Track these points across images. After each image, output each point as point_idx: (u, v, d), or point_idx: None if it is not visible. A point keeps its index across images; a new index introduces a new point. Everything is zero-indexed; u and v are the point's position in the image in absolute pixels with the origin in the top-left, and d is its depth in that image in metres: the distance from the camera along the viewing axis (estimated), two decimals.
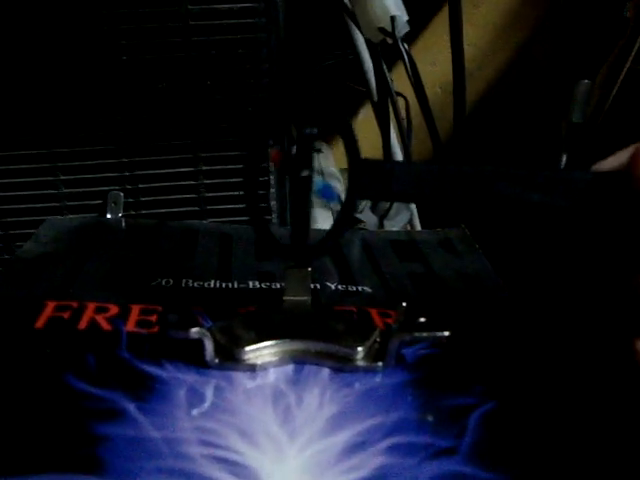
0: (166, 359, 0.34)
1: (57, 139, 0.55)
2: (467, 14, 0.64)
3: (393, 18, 0.54)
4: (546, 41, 1.09)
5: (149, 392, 0.32)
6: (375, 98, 0.72)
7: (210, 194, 0.58)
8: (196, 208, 0.59)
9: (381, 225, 0.66)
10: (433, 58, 1.09)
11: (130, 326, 0.38)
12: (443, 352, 0.37)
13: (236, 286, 0.44)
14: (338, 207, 0.75)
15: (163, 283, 0.44)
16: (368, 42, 0.69)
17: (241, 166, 0.35)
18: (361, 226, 0.64)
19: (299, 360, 0.35)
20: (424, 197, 0.35)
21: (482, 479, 0.28)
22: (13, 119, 0.54)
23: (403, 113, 0.71)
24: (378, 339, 0.36)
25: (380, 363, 0.35)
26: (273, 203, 0.58)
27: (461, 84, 0.64)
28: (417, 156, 0.83)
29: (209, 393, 0.32)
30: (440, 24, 1.07)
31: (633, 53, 0.83)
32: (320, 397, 0.32)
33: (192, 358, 0.34)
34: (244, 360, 0.34)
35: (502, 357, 0.37)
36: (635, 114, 0.83)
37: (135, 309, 0.40)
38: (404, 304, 0.36)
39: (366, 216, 0.65)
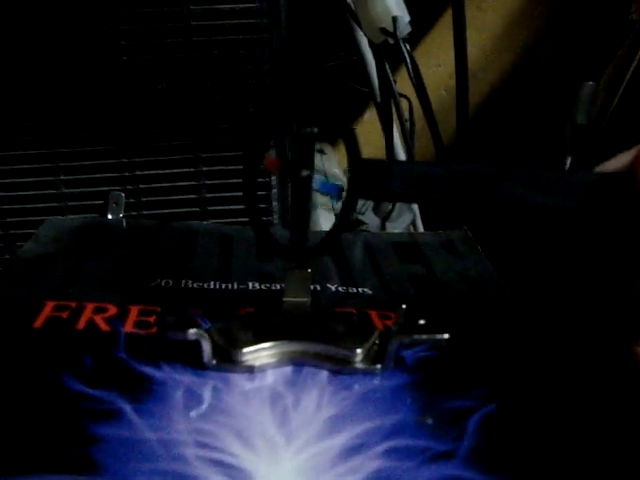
0: (164, 360, 0.34)
1: (58, 139, 0.55)
2: (471, 17, 0.64)
3: (395, 19, 0.53)
4: (550, 43, 1.08)
5: (146, 393, 0.32)
6: (378, 99, 0.72)
7: (211, 195, 0.58)
8: (197, 209, 0.58)
9: (383, 227, 0.66)
10: (439, 59, 1.09)
11: (128, 327, 0.38)
12: (443, 354, 0.36)
13: (236, 287, 0.44)
14: (339, 205, 0.75)
15: (163, 284, 0.43)
16: (371, 43, 0.69)
17: (242, 167, 0.34)
18: (363, 227, 0.64)
19: (297, 362, 0.35)
20: (425, 197, 0.35)
21: None
22: (14, 119, 0.54)
23: (406, 114, 0.70)
24: (377, 341, 0.36)
25: (379, 365, 0.34)
26: (275, 204, 0.58)
27: (464, 86, 0.64)
28: (420, 157, 0.83)
29: (206, 395, 0.32)
30: (446, 26, 1.06)
31: (638, 55, 0.82)
32: (318, 399, 0.32)
33: (190, 359, 0.34)
34: (242, 362, 0.34)
35: (502, 360, 0.37)
36: None
37: (134, 310, 0.39)
38: (404, 306, 0.36)
39: (368, 217, 0.65)
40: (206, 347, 0.33)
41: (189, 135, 0.56)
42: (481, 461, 0.29)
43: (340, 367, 0.34)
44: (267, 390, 0.33)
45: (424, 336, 0.34)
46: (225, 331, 0.35)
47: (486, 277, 0.48)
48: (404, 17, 0.54)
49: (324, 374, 0.34)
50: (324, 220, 0.69)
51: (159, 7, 0.51)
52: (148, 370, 0.33)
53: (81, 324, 0.38)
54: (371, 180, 0.34)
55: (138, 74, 0.53)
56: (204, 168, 0.57)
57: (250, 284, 0.44)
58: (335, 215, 0.74)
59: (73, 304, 0.40)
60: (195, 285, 0.44)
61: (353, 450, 0.29)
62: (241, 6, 0.52)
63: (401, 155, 0.76)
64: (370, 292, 0.45)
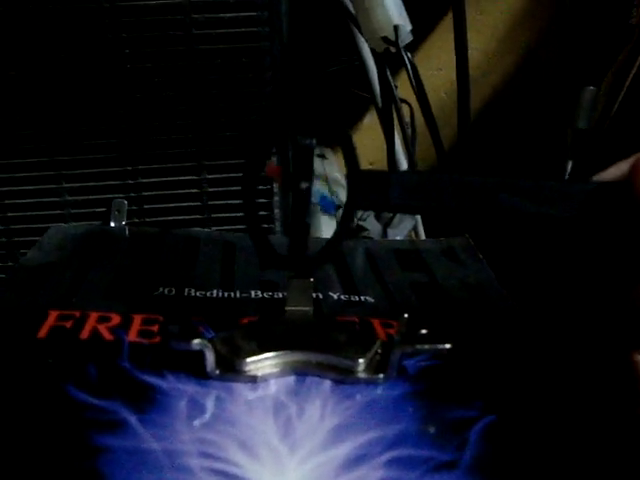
0: (167, 370, 0.34)
1: (61, 147, 0.56)
2: (472, 20, 0.64)
3: (396, 27, 0.54)
4: (551, 47, 1.08)
5: (150, 403, 0.32)
6: (379, 105, 0.72)
7: (213, 202, 0.58)
8: (199, 216, 0.59)
9: (385, 233, 0.66)
10: (439, 63, 1.09)
11: (132, 336, 0.38)
12: (445, 364, 0.36)
13: (238, 296, 0.44)
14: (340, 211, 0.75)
15: (165, 292, 0.44)
16: (373, 49, 0.69)
17: (242, 175, 0.35)
18: (365, 234, 0.64)
19: (300, 371, 0.35)
20: (423, 207, 0.35)
21: None
22: (17, 127, 0.54)
23: (407, 119, 0.70)
24: (379, 350, 0.36)
25: (381, 375, 0.34)
26: (277, 211, 0.58)
27: (465, 90, 0.64)
28: (422, 162, 0.83)
29: (210, 404, 0.32)
30: (447, 29, 1.07)
31: (639, 60, 0.83)
32: (321, 409, 0.32)
33: (193, 369, 0.34)
34: (245, 371, 0.34)
35: (505, 369, 0.37)
36: None
37: (137, 319, 0.40)
38: (406, 315, 0.36)
39: (370, 224, 0.65)
40: (209, 357, 0.33)
41: (192, 143, 0.56)
42: (484, 471, 0.29)
43: (343, 377, 0.34)
44: (270, 400, 0.33)
45: (426, 346, 0.34)
46: (228, 341, 0.35)
47: (488, 285, 0.48)
48: (406, 26, 0.54)
49: (327, 384, 0.34)
50: (325, 226, 0.70)
51: (162, 16, 0.52)
52: (152, 380, 0.34)
53: (85, 333, 0.38)
54: (370, 191, 0.34)
55: (141, 82, 0.54)
56: (207, 176, 0.57)
57: (252, 292, 0.45)
58: (336, 221, 0.74)
59: (77, 313, 0.40)
60: (198, 294, 0.44)
61: (357, 460, 0.29)
62: (243, 14, 0.52)
63: (402, 160, 0.76)
64: (372, 300, 0.45)
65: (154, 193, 0.58)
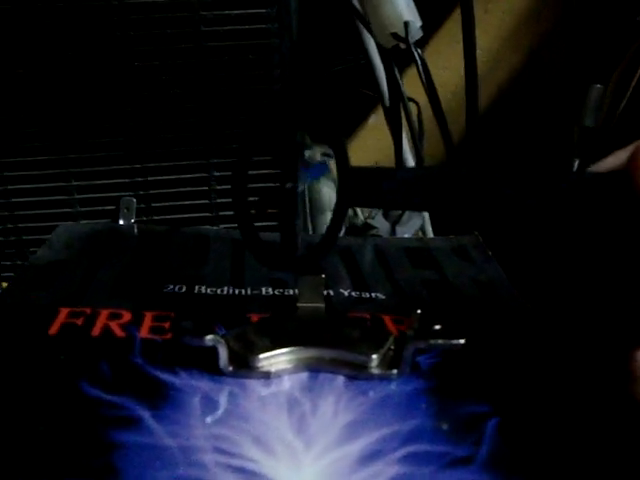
0: (180, 366, 0.34)
1: (70, 145, 0.56)
2: (478, 19, 0.64)
3: (406, 23, 0.53)
4: (558, 45, 1.08)
5: (163, 399, 0.32)
6: (387, 103, 0.72)
7: (222, 200, 0.58)
8: (208, 214, 0.59)
9: (393, 231, 0.66)
10: (444, 63, 1.09)
11: (143, 333, 0.38)
12: (457, 359, 0.36)
13: (249, 293, 0.44)
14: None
15: (176, 290, 0.44)
16: (380, 47, 0.69)
17: (252, 172, 0.35)
18: (373, 232, 0.64)
19: (313, 368, 0.35)
20: (416, 203, 0.35)
21: None
22: (26, 125, 0.55)
23: (414, 118, 0.70)
24: (392, 346, 0.36)
25: (395, 371, 0.34)
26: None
27: (474, 89, 0.64)
28: (429, 160, 0.82)
29: (223, 400, 0.32)
30: (450, 29, 1.07)
31: None
32: (335, 405, 0.32)
33: (206, 365, 0.34)
34: (258, 367, 0.34)
35: (516, 366, 0.37)
36: None
37: (148, 316, 0.39)
38: (418, 311, 0.36)
39: (378, 222, 0.65)
40: (223, 353, 0.33)
41: (200, 140, 0.56)
42: (500, 466, 0.29)
43: (356, 373, 0.34)
44: (284, 396, 0.33)
45: (440, 341, 0.34)
46: (241, 337, 0.35)
47: (498, 283, 0.48)
48: (415, 22, 0.54)
49: (340, 380, 0.34)
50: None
51: (170, 13, 0.52)
52: (165, 376, 0.34)
53: (96, 330, 0.38)
54: (362, 187, 0.34)
55: (149, 80, 0.54)
56: (215, 173, 0.57)
57: (263, 289, 0.44)
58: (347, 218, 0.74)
59: (88, 310, 0.40)
60: (208, 291, 0.44)
61: (372, 456, 0.29)
62: (251, 11, 0.52)
63: (409, 159, 0.76)
64: (383, 297, 0.45)
65: (162, 191, 0.58)
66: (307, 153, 0.69)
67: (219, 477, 0.27)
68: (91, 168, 0.56)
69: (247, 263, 0.49)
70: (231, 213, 0.58)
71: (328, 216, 0.70)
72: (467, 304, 0.45)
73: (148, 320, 0.39)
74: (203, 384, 0.33)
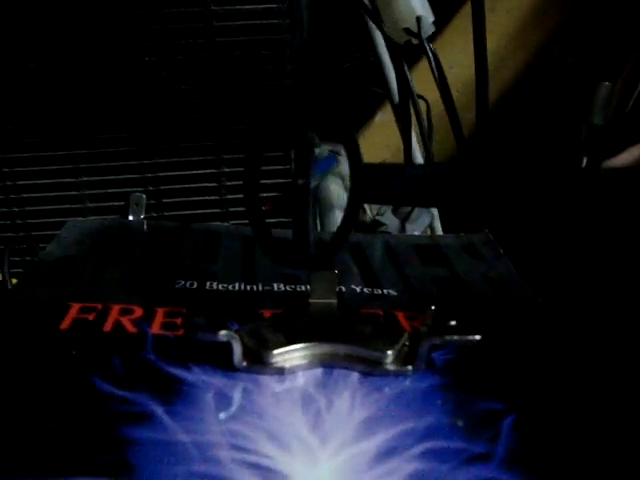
0: (193, 362, 0.34)
1: (79, 140, 0.55)
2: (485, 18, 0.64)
3: (419, 19, 0.53)
4: (565, 43, 1.08)
5: (177, 395, 0.32)
6: (396, 100, 0.72)
7: (232, 196, 0.58)
8: (218, 210, 0.58)
9: (403, 228, 0.66)
10: (451, 60, 1.09)
11: (155, 328, 0.37)
12: (472, 356, 0.36)
13: (261, 289, 0.44)
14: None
15: (187, 285, 0.43)
16: (389, 44, 0.68)
17: (263, 168, 0.34)
18: (383, 229, 0.64)
19: (328, 364, 0.34)
20: (428, 200, 0.35)
21: None
22: (36, 120, 0.54)
23: (423, 115, 0.70)
24: (407, 342, 0.36)
25: (410, 367, 0.34)
26: None
27: (484, 86, 0.64)
28: (437, 157, 0.82)
29: (237, 396, 0.32)
30: (458, 27, 1.07)
31: None
32: (350, 401, 0.32)
33: (219, 361, 0.34)
34: (272, 363, 0.34)
35: (531, 362, 0.37)
36: None
37: (160, 312, 0.39)
38: (432, 307, 0.36)
39: (388, 219, 0.64)
40: (237, 349, 0.33)
41: (210, 136, 0.56)
42: (518, 463, 0.28)
43: (371, 369, 0.34)
44: (298, 392, 0.33)
45: (455, 337, 0.34)
46: (255, 333, 0.35)
47: (509, 280, 0.47)
48: (428, 17, 0.54)
49: (355, 376, 0.34)
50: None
51: (181, 7, 0.51)
52: (178, 372, 0.33)
53: (108, 326, 0.37)
54: (374, 184, 0.34)
55: (160, 75, 0.53)
56: (225, 169, 0.57)
57: (275, 285, 0.44)
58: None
59: (99, 306, 0.39)
60: (220, 287, 0.44)
61: (389, 452, 0.29)
62: (263, 7, 0.52)
63: (418, 156, 0.76)
64: (395, 293, 0.44)
65: (172, 187, 0.57)
66: (315, 151, 0.68)
67: (235, 473, 0.27)
68: (101, 164, 0.56)
69: (258, 259, 0.49)
70: (241, 209, 0.58)
71: (336, 213, 0.70)
72: (479, 301, 0.44)
73: (160, 316, 0.39)
74: (217, 380, 0.33)
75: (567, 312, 0.42)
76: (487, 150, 0.68)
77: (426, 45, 0.54)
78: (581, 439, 0.31)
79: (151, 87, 0.54)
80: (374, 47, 0.73)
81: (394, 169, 0.34)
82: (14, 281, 0.52)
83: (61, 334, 0.36)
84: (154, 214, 0.58)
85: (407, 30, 0.54)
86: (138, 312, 0.39)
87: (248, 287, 0.44)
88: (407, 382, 0.34)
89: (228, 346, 0.33)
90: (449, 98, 0.58)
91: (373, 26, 0.69)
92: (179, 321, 0.38)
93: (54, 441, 0.28)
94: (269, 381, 0.33)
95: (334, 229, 0.68)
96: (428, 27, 0.54)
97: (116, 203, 0.57)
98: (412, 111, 0.68)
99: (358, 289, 0.45)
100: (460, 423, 0.31)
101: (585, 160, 0.85)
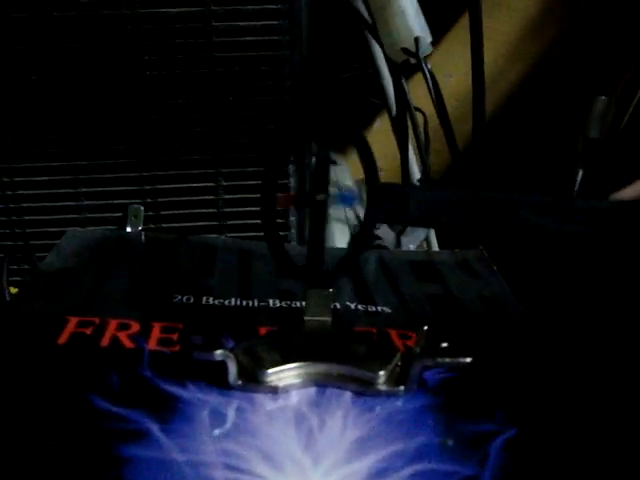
0: (188, 379, 0.34)
1: (79, 152, 0.56)
2: (483, 27, 0.64)
3: (417, 39, 0.54)
4: (562, 55, 1.08)
5: (172, 413, 0.32)
6: (393, 112, 0.72)
7: (229, 209, 0.58)
8: (215, 223, 0.59)
9: (398, 241, 0.66)
10: (449, 70, 1.09)
11: (152, 344, 0.38)
12: (464, 376, 0.36)
13: (256, 304, 0.44)
14: (352, 216, 0.75)
15: (184, 300, 0.44)
16: (387, 57, 0.69)
17: (261, 186, 0.35)
18: (378, 242, 0.64)
19: (321, 383, 0.35)
20: (441, 222, 0.35)
21: None
22: (36, 131, 0.55)
23: (420, 128, 0.71)
24: (399, 363, 0.36)
25: (402, 387, 0.34)
26: (292, 219, 0.58)
27: (481, 96, 0.64)
28: (434, 168, 0.83)
29: (232, 415, 0.32)
30: (456, 36, 1.07)
31: None
32: (343, 421, 0.33)
33: (214, 379, 0.34)
34: (266, 382, 0.34)
35: (523, 383, 0.37)
36: None
37: (157, 327, 0.40)
38: (425, 327, 0.36)
39: (383, 232, 0.65)
40: (232, 368, 0.34)
41: (209, 150, 0.56)
42: None
43: (363, 389, 0.35)
44: (292, 411, 0.33)
45: (447, 359, 0.34)
46: (249, 351, 0.35)
47: (503, 297, 0.48)
48: (426, 37, 0.54)
49: (347, 395, 0.34)
50: (339, 234, 0.70)
51: (182, 23, 0.52)
52: (174, 389, 0.34)
53: (105, 341, 0.38)
54: (388, 204, 0.34)
55: (160, 89, 0.54)
56: (223, 183, 0.57)
57: (270, 301, 0.45)
58: (348, 226, 0.74)
59: (97, 320, 0.40)
60: (216, 302, 0.44)
61: (380, 473, 0.29)
62: (263, 23, 0.52)
63: (415, 168, 0.76)
64: (389, 311, 0.45)
65: (170, 199, 0.58)
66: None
67: None
68: (100, 175, 0.57)
69: (254, 273, 0.49)
70: (239, 222, 0.59)
71: (334, 227, 0.70)
72: (472, 319, 0.45)
73: (156, 331, 0.39)
74: (212, 398, 0.33)
75: (560, 331, 0.43)
76: (483, 163, 0.69)
77: (423, 65, 0.55)
78: (572, 461, 0.31)
79: (151, 101, 0.54)
80: (373, 59, 0.74)
81: (411, 191, 0.35)
82: (12, 290, 0.53)
83: (59, 349, 0.37)
84: (152, 225, 0.58)
85: (405, 50, 0.54)
86: (135, 327, 0.40)
87: (244, 302, 0.44)
88: (399, 402, 0.34)
89: (223, 364, 0.33)
90: (445, 117, 0.59)
91: (372, 39, 0.70)
92: (175, 337, 0.39)
93: (50, 459, 0.29)
94: (263, 399, 0.34)
95: (330, 242, 0.68)
96: (426, 47, 0.55)
97: (114, 214, 0.58)
98: (409, 123, 0.68)
99: (352, 306, 0.45)
100: (451, 444, 0.31)
101: (581, 172, 0.86)
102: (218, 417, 0.32)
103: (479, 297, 0.48)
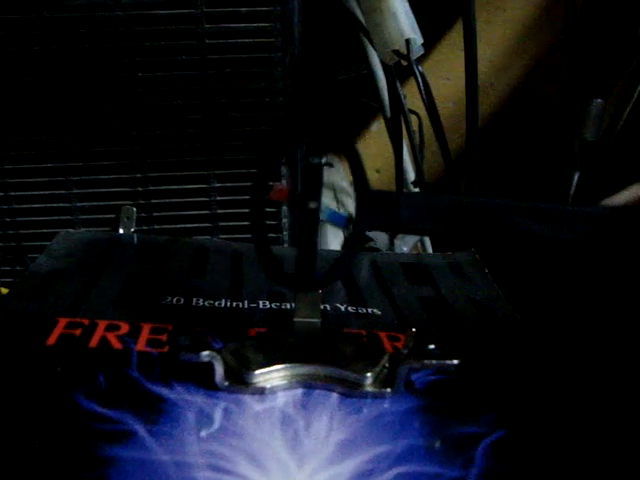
0: (175, 380, 0.34)
1: (71, 153, 0.56)
2: (479, 30, 0.64)
3: (408, 41, 0.54)
4: (558, 58, 1.08)
5: (158, 414, 0.32)
6: (388, 115, 0.72)
7: (222, 211, 0.58)
8: (208, 224, 0.59)
9: (391, 243, 0.66)
10: (447, 73, 1.09)
11: (140, 345, 0.38)
12: (451, 378, 0.36)
13: (246, 306, 0.44)
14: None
15: (174, 302, 0.44)
16: (382, 59, 0.69)
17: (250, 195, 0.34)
18: (371, 244, 0.64)
19: (308, 384, 0.35)
20: (432, 229, 0.35)
21: None
22: (28, 132, 0.55)
23: (415, 129, 0.71)
24: (387, 364, 0.36)
25: (389, 389, 0.35)
26: (285, 221, 0.58)
27: (474, 100, 0.64)
28: (428, 170, 0.83)
29: (218, 416, 0.32)
30: (454, 40, 1.07)
31: None
32: (329, 423, 0.33)
33: (201, 380, 0.34)
34: (253, 383, 0.34)
35: (511, 385, 0.37)
36: None
37: (146, 328, 0.40)
38: (413, 329, 0.36)
39: (376, 234, 0.65)
40: (219, 369, 0.34)
41: (202, 151, 0.57)
42: None
43: (350, 390, 0.35)
44: (278, 412, 0.33)
45: (434, 361, 0.34)
46: (237, 352, 0.35)
47: (494, 301, 0.48)
48: (417, 39, 0.54)
49: (334, 397, 0.35)
50: (332, 236, 0.70)
51: (175, 25, 0.52)
52: (160, 390, 0.34)
53: (94, 342, 0.38)
54: (379, 211, 0.34)
55: (153, 90, 0.54)
56: (216, 184, 0.57)
57: (261, 303, 0.45)
58: (342, 230, 0.74)
59: (85, 321, 0.40)
60: (206, 303, 0.44)
61: (365, 475, 0.29)
62: (255, 25, 0.52)
63: (409, 170, 0.76)
64: (379, 313, 0.45)
65: (163, 201, 0.58)
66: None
67: None
68: (92, 176, 0.57)
69: (245, 275, 0.49)
70: (231, 224, 0.59)
71: (327, 229, 0.70)
72: (463, 321, 0.45)
73: (145, 332, 0.39)
74: (198, 399, 0.33)
75: (551, 334, 0.43)
76: (478, 166, 0.69)
77: (415, 67, 0.54)
78: (558, 464, 0.31)
79: (144, 102, 0.54)
80: (367, 61, 0.74)
81: (401, 197, 0.35)
82: (4, 290, 0.53)
83: (47, 350, 0.37)
84: (145, 227, 0.58)
85: (396, 52, 0.54)
86: (124, 328, 0.40)
87: (234, 304, 0.44)
88: (385, 404, 0.34)
89: (210, 365, 0.34)
90: (437, 120, 0.59)
91: (367, 41, 0.70)
92: (164, 338, 0.39)
93: (37, 458, 0.29)
94: (250, 401, 0.34)
95: (322, 244, 0.68)
96: (417, 49, 0.55)
97: (107, 216, 0.58)
98: (403, 125, 0.68)
99: (343, 307, 0.45)
100: (437, 446, 0.31)
101: (577, 175, 0.86)
102: (204, 418, 0.32)
103: (470, 300, 0.48)
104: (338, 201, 0.80)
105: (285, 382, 0.35)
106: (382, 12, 0.53)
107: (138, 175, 0.57)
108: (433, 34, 1.06)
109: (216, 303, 0.44)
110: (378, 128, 1.10)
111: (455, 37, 1.07)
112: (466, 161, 0.71)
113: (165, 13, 0.52)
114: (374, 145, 1.09)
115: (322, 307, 0.43)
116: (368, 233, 0.64)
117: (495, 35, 1.10)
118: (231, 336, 0.38)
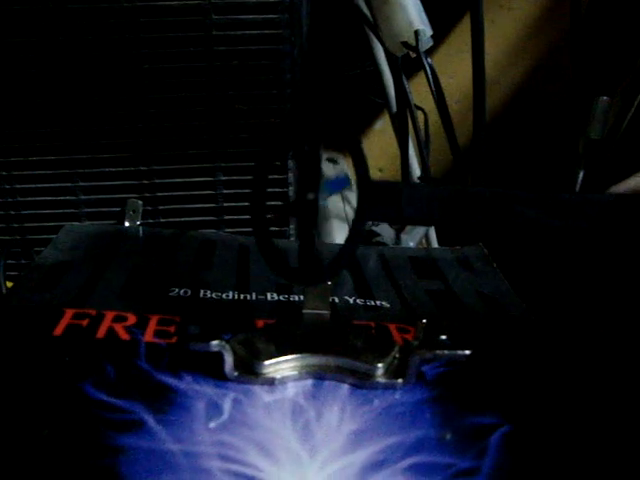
0: (185, 370, 0.34)
1: (76, 146, 0.56)
2: (485, 29, 0.64)
3: (417, 32, 0.53)
4: (563, 56, 1.08)
5: (168, 404, 0.32)
6: (394, 111, 0.72)
7: (228, 204, 0.58)
8: (214, 218, 0.59)
9: (398, 238, 0.66)
10: (451, 71, 1.09)
11: (148, 336, 0.38)
12: (462, 370, 0.36)
13: (254, 298, 0.44)
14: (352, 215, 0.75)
15: (181, 293, 0.44)
16: (388, 55, 0.69)
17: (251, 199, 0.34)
18: (378, 239, 0.64)
19: (318, 375, 0.35)
20: (435, 219, 0.35)
21: None
22: (33, 125, 0.55)
23: (421, 125, 0.70)
24: (397, 355, 0.36)
25: (400, 380, 0.34)
26: (292, 226, 0.58)
27: (481, 98, 0.64)
28: (434, 167, 0.83)
29: (228, 406, 0.32)
30: (458, 37, 1.07)
31: None
32: (340, 413, 0.32)
33: (211, 370, 0.34)
34: (263, 374, 0.34)
35: (522, 377, 0.37)
36: None
37: (153, 319, 0.39)
38: (424, 320, 0.36)
39: (383, 229, 0.65)
40: (228, 359, 0.33)
41: (208, 144, 0.56)
42: (505, 479, 0.29)
43: (361, 381, 0.34)
44: (288, 403, 0.33)
45: (446, 352, 0.34)
46: (246, 342, 0.35)
47: (502, 294, 0.48)
48: (426, 31, 0.54)
49: (345, 388, 0.34)
50: (337, 231, 0.69)
51: (182, 16, 0.52)
52: (169, 380, 0.33)
53: (101, 332, 0.38)
54: (381, 202, 0.34)
55: (159, 82, 0.54)
56: (222, 177, 0.57)
57: (269, 295, 0.44)
58: (347, 223, 0.74)
59: (92, 312, 0.40)
60: (214, 295, 0.44)
61: (377, 466, 0.29)
62: (263, 17, 0.52)
63: (415, 166, 0.76)
64: (388, 305, 0.45)
65: (169, 194, 0.58)
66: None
67: None
68: (98, 169, 0.56)
69: (252, 268, 0.49)
70: (237, 217, 0.58)
71: (333, 224, 0.70)
72: (471, 315, 0.45)
73: (153, 324, 0.39)
74: (208, 389, 0.33)
75: (560, 327, 0.43)
76: (484, 164, 0.68)
77: (424, 59, 0.54)
78: (570, 456, 0.31)
79: (149, 94, 0.54)
80: (373, 57, 0.74)
81: (402, 187, 0.34)
82: (9, 284, 0.52)
83: (54, 340, 0.36)
84: (150, 220, 0.58)
85: (405, 44, 0.54)
86: (132, 319, 0.39)
87: (242, 296, 0.44)
88: (397, 395, 0.34)
89: (220, 356, 0.33)
90: (446, 112, 0.58)
91: (373, 36, 0.69)
92: (172, 329, 0.38)
93: (44, 449, 0.28)
94: (260, 391, 0.33)
95: (329, 238, 0.68)
96: (426, 41, 0.54)
97: (112, 209, 0.57)
98: (409, 121, 0.68)
99: (351, 300, 0.45)
100: (448, 437, 0.31)
101: (581, 173, 0.86)
102: (214, 408, 0.32)
103: (479, 294, 0.47)
104: (343, 197, 0.80)
105: (295, 373, 0.34)
106: (391, 4, 0.53)
107: (144, 168, 0.56)
108: (436, 33, 1.07)
109: (223, 295, 0.44)
110: (381, 126, 1.10)
111: (459, 36, 1.07)
112: (473, 157, 0.71)
113: (172, 4, 0.51)
114: (377, 143, 1.08)
115: (330, 299, 0.43)
116: (374, 228, 0.64)
117: (500, 34, 1.10)
118: (239, 328, 0.38)
